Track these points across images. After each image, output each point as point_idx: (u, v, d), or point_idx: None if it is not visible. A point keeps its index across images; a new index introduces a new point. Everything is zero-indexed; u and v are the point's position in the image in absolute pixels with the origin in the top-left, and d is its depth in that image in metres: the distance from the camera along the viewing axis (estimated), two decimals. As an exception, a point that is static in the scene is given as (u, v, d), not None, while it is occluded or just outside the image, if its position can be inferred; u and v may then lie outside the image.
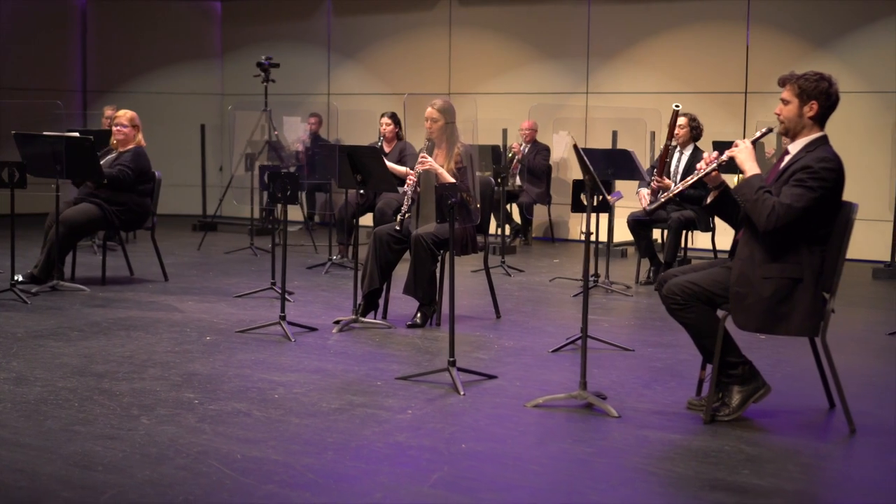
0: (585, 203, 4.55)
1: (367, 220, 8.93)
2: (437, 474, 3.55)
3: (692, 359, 4.77)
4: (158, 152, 10.03)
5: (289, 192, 5.80)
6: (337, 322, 6.11)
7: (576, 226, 11.46)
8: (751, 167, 4.18)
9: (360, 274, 6.26)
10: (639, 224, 8.09)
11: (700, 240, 9.94)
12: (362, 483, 3.44)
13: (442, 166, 6.20)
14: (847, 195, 4.26)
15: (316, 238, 10.46)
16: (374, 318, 6.28)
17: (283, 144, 11.17)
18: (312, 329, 5.99)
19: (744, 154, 4.23)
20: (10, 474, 3.44)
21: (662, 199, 4.53)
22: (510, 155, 10.77)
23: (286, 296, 6.76)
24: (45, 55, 13.62)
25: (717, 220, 5.89)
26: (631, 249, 9.72)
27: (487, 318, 6.61)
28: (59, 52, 13.87)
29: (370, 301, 6.29)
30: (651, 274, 8.25)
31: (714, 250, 8.93)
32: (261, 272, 8.25)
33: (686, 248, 8.62)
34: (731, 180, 8.47)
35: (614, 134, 10.00)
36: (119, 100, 12.33)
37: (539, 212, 11.39)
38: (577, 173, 4.56)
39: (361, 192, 8.33)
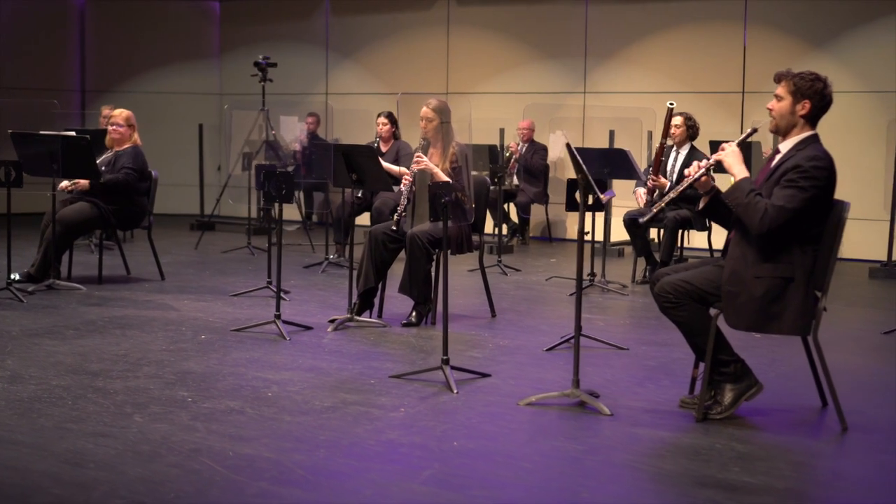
0: (579, 202, 4.55)
1: (364, 219, 8.93)
2: (428, 472, 3.56)
3: (686, 357, 4.78)
4: (157, 152, 10.05)
5: (284, 192, 5.81)
6: (332, 321, 6.11)
7: (573, 225, 11.47)
8: (739, 170, 4.19)
9: (355, 273, 6.27)
10: (635, 223, 8.09)
11: (696, 239, 9.96)
12: (353, 480, 3.45)
13: (437, 166, 6.21)
14: (844, 195, 4.27)
15: (313, 237, 10.47)
16: (370, 317, 6.28)
17: (281, 144, 11.18)
18: (308, 328, 6.00)
19: (731, 158, 4.23)
20: (1, 471, 3.45)
21: (655, 210, 4.52)
22: (507, 154, 10.78)
23: (282, 295, 6.79)
24: (43, 55, 13.64)
25: (712, 219, 5.89)
26: (628, 249, 9.73)
27: (483, 316, 6.62)
28: (58, 51, 13.89)
29: (365, 300, 6.29)
30: (647, 273, 8.26)
31: (710, 249, 8.93)
32: (258, 271, 8.26)
33: (682, 248, 8.63)
34: (729, 181, 8.50)
35: (611, 133, 10.01)
36: (117, 99, 12.35)
37: (536, 211, 11.40)
38: (573, 172, 4.56)
39: (359, 195, 8.36)
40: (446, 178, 5.99)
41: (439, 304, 6.14)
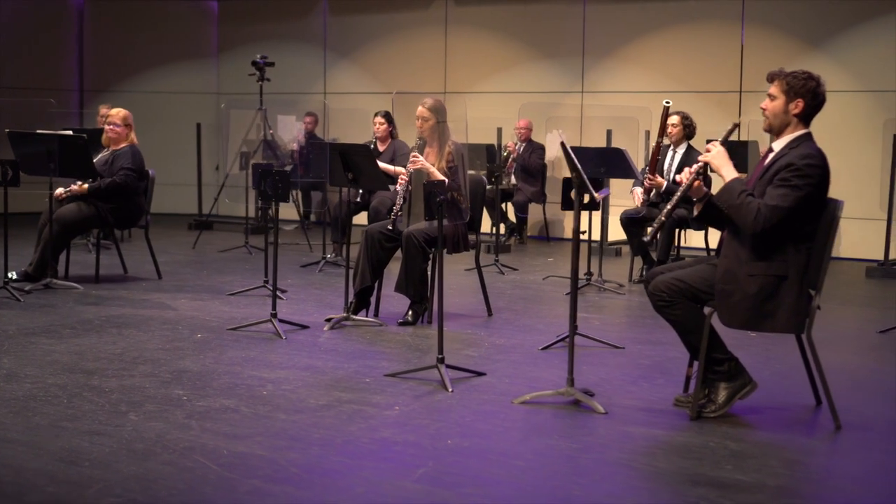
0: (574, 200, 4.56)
1: (361, 219, 8.94)
2: (422, 469, 3.57)
3: (681, 356, 4.78)
4: (155, 151, 10.06)
5: (280, 190, 5.82)
6: (328, 320, 6.12)
7: (571, 224, 11.44)
8: (727, 171, 4.20)
9: (351, 272, 6.28)
10: (632, 222, 8.11)
11: (693, 238, 9.97)
12: (346, 478, 3.46)
13: (433, 165, 6.22)
14: (841, 194, 4.27)
15: (311, 237, 10.47)
16: (366, 316, 6.29)
17: (279, 143, 11.19)
18: (304, 327, 6.01)
19: (718, 159, 4.24)
20: (-4, 469, 3.47)
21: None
22: (505, 154, 10.79)
23: (279, 294, 6.80)
24: (42, 54, 13.65)
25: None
26: (625, 248, 9.73)
27: (479, 315, 6.63)
28: (57, 51, 13.90)
29: (362, 299, 6.30)
30: (644, 272, 8.27)
31: (707, 249, 8.95)
32: (255, 270, 8.27)
33: (679, 247, 8.63)
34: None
35: (608, 133, 10.02)
36: (116, 99, 12.34)
37: (534, 211, 11.41)
38: (569, 172, 4.57)
39: (359, 199, 8.37)
40: (442, 177, 6.00)
41: (435, 302, 6.15)
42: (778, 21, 10.69)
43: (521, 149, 11.10)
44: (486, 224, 10.55)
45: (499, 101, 11.93)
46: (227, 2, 14.12)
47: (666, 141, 8.00)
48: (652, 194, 7.87)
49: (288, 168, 10.78)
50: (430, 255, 6.15)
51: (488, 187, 9.62)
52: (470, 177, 6.44)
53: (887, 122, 9.89)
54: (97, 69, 14.08)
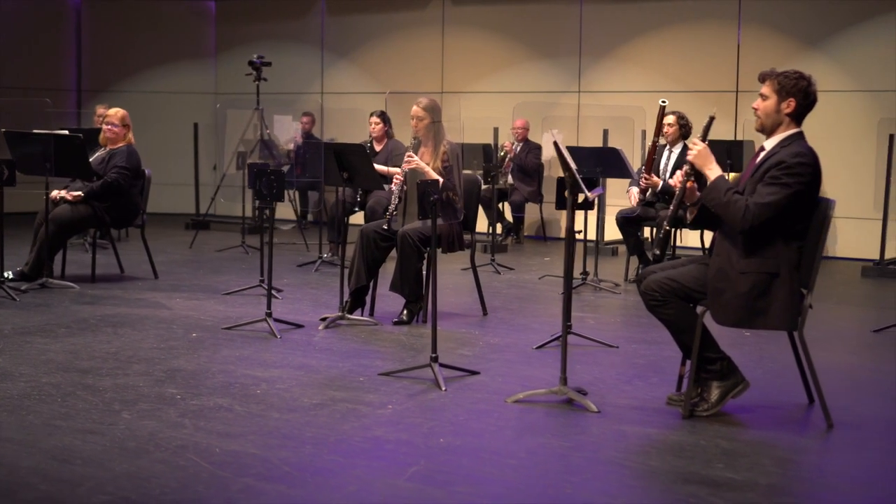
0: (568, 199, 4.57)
1: (358, 218, 8.95)
2: (414, 468, 3.58)
3: (676, 355, 4.78)
4: (152, 151, 10.07)
5: (275, 190, 5.82)
6: (323, 319, 6.13)
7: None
8: (711, 170, 4.21)
9: (347, 271, 6.29)
10: (627, 221, 8.11)
11: (689, 237, 9.97)
12: (338, 476, 3.47)
13: (428, 164, 6.24)
14: (837, 194, 4.29)
15: (308, 236, 10.49)
16: (361, 316, 6.30)
17: (276, 143, 11.20)
18: (299, 326, 6.02)
19: (701, 158, 4.26)
20: (-12, 468, 3.48)
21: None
22: (502, 153, 10.80)
23: (275, 293, 6.81)
24: (40, 54, 13.65)
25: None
26: (622, 248, 9.74)
27: (474, 315, 6.63)
28: (54, 51, 13.90)
29: (357, 298, 6.31)
30: (639, 272, 8.27)
31: (703, 248, 8.95)
32: (251, 270, 8.28)
33: (675, 246, 8.64)
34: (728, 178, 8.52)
35: (605, 133, 10.03)
36: (113, 99, 12.33)
37: (531, 210, 11.42)
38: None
39: (358, 197, 8.38)
40: (436, 177, 6.01)
41: (429, 301, 6.17)
42: (774, 21, 10.70)
43: (518, 148, 11.11)
44: (482, 224, 10.57)
45: (496, 101, 11.94)
46: (225, 2, 14.13)
47: (662, 141, 8.01)
48: (648, 194, 7.88)
49: (285, 168, 10.80)
50: (425, 255, 6.16)
51: (484, 187, 9.64)
52: (465, 176, 6.45)
53: (882, 121, 9.89)
54: (95, 69, 14.09)
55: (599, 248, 8.93)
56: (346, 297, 6.26)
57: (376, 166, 6.40)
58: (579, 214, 4.71)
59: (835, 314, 7.20)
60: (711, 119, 4.41)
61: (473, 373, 4.96)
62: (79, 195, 7.32)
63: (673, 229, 8.08)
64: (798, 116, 4.19)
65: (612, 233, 9.40)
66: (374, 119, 8.77)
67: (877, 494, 3.50)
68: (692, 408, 4.30)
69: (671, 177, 7.94)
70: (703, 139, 4.34)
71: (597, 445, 3.91)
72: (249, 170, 6.50)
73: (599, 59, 11.63)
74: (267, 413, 4.20)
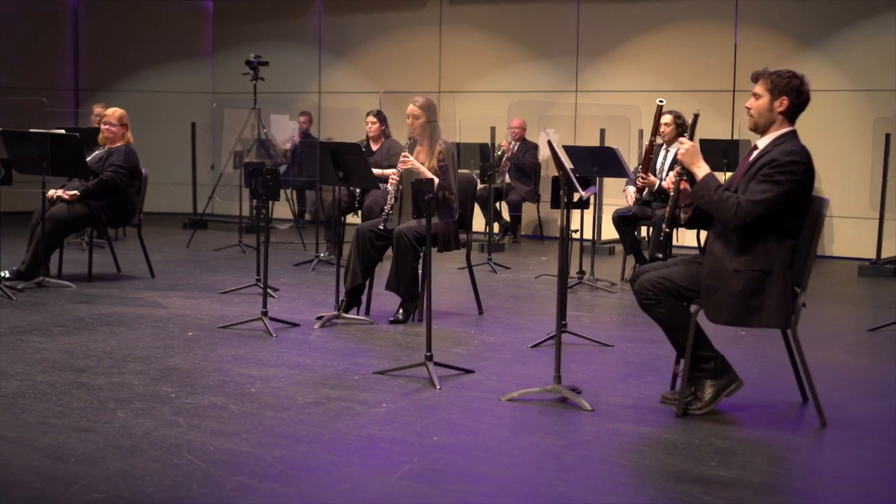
0: (562, 198, 4.58)
1: (356, 217, 8.97)
2: (407, 466, 3.59)
3: (670, 354, 4.80)
4: (150, 151, 10.08)
5: (271, 189, 5.82)
6: (319, 318, 6.14)
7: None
8: (700, 167, 4.23)
9: (343, 270, 6.29)
10: (623, 221, 8.12)
11: (686, 237, 9.99)
12: (331, 474, 3.48)
13: (424, 163, 6.24)
14: (833, 193, 4.30)
15: (305, 236, 10.49)
16: (357, 315, 6.31)
17: (274, 143, 11.20)
18: (295, 325, 6.03)
19: (688, 157, 4.27)
20: (-18, 466, 3.48)
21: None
22: (499, 153, 10.80)
23: (271, 292, 6.82)
24: (37, 54, 13.65)
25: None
26: (619, 247, 9.74)
27: (470, 314, 6.64)
28: (52, 50, 13.90)
29: (353, 297, 6.32)
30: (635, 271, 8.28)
31: (699, 247, 8.94)
32: (248, 269, 8.28)
33: (671, 246, 8.65)
34: (722, 178, 8.53)
35: (602, 132, 10.04)
36: (111, 98, 12.34)
37: (528, 210, 11.43)
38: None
39: (357, 196, 8.39)
40: (431, 177, 6.02)
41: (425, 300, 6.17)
42: (771, 20, 10.71)
43: (516, 148, 11.12)
44: (479, 223, 10.58)
45: (493, 101, 11.95)
46: (223, 1, 14.13)
47: (659, 140, 8.01)
48: (644, 193, 7.89)
49: (282, 168, 10.80)
50: (421, 254, 6.16)
51: (481, 186, 9.65)
52: (460, 175, 6.46)
53: (878, 120, 9.90)
54: (93, 68, 14.09)
55: (596, 247, 8.94)
56: (342, 295, 6.27)
57: (375, 171, 6.41)
58: (576, 214, 4.72)
59: (830, 313, 7.22)
60: (696, 116, 4.43)
61: (468, 371, 4.97)
62: (75, 194, 7.33)
63: (672, 230, 8.11)
64: (791, 115, 4.20)
65: (609, 232, 9.41)
66: (371, 119, 8.78)
67: (869, 492, 3.51)
68: (686, 406, 4.31)
69: (667, 176, 7.95)
70: (691, 137, 4.35)
71: (590, 444, 3.91)
72: (245, 169, 6.51)
73: (596, 58, 11.64)
74: (261, 411, 4.21)
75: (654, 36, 11.36)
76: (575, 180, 4.52)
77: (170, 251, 9.68)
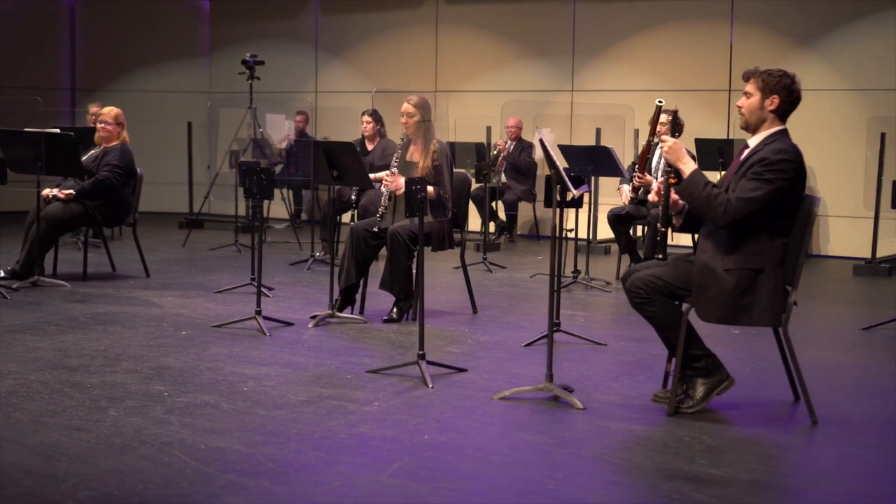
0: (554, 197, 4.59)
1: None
2: (397, 464, 3.59)
3: (663, 353, 4.80)
4: (147, 150, 10.08)
5: (264, 188, 5.83)
6: (313, 317, 6.14)
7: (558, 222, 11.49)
8: (686, 164, 4.24)
9: (337, 269, 6.30)
10: (618, 220, 8.14)
11: (681, 236, 9.99)
12: (321, 472, 3.48)
13: (418, 163, 6.26)
14: (828, 192, 4.30)
15: (301, 235, 10.50)
16: (351, 314, 6.31)
17: (270, 142, 11.21)
18: (288, 324, 6.03)
19: (673, 154, 4.27)
20: (-27, 464, 3.48)
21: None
22: (495, 152, 10.81)
23: (266, 291, 6.83)
24: (34, 53, 13.66)
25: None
26: (615, 247, 9.75)
27: (464, 313, 6.65)
28: (48, 50, 13.91)
29: (347, 296, 6.33)
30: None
31: (694, 246, 8.96)
32: (243, 269, 8.28)
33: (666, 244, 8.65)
34: (714, 177, 8.55)
35: (598, 131, 10.05)
36: (108, 98, 12.34)
37: (524, 209, 11.44)
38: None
39: (354, 196, 8.39)
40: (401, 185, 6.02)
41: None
42: (767, 20, 10.73)
43: (512, 147, 11.13)
44: (475, 222, 10.59)
45: (490, 100, 11.96)
46: (219, 1, 14.14)
47: (655, 139, 8.00)
48: (640, 192, 7.89)
49: (278, 167, 10.81)
50: (415, 253, 6.17)
51: (477, 186, 9.65)
52: (454, 175, 6.47)
53: (873, 119, 9.91)
54: (89, 68, 14.09)
55: (592, 246, 8.95)
56: (337, 295, 6.27)
57: (372, 175, 6.42)
58: (572, 212, 4.72)
59: (825, 312, 7.23)
60: (658, 108, 4.43)
61: (461, 370, 4.97)
62: (71, 193, 7.33)
63: (668, 229, 8.11)
64: (782, 114, 4.20)
65: (606, 232, 9.41)
66: (366, 118, 8.79)
67: (859, 490, 3.52)
68: (677, 405, 4.31)
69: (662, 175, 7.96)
70: (673, 133, 4.36)
71: (581, 442, 3.92)
72: (239, 168, 6.52)
73: (593, 57, 11.66)
74: (253, 410, 4.22)
75: (650, 35, 11.38)
76: (567, 179, 4.53)
77: (165, 250, 9.69)
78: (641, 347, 5.65)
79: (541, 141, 4.54)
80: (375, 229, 6.23)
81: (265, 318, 5.91)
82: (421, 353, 4.79)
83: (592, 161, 7.86)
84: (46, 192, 7.38)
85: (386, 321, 6.20)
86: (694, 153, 8.90)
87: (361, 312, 6.45)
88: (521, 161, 11.07)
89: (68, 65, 14.08)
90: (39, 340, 5.46)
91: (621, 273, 8.32)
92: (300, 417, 4.11)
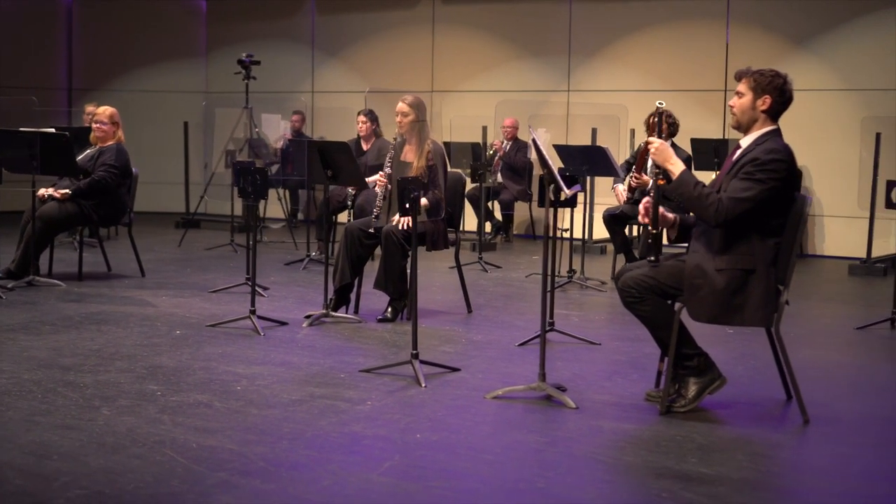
0: (547, 197, 4.60)
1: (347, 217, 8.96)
2: (389, 463, 3.60)
3: (657, 352, 4.80)
4: (143, 150, 10.08)
5: (259, 187, 5.83)
6: (308, 317, 6.15)
7: (558, 223, 11.49)
8: (674, 164, 4.25)
9: (332, 269, 6.30)
10: (614, 219, 8.14)
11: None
12: (312, 470, 3.49)
13: (413, 163, 6.26)
14: (824, 192, 4.31)
15: (297, 235, 10.50)
16: (346, 313, 6.32)
17: (266, 142, 11.21)
18: (283, 323, 6.04)
19: (661, 155, 4.28)
20: (-35, 463, 3.49)
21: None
22: (491, 152, 10.82)
23: (261, 291, 6.83)
24: (31, 53, 13.66)
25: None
26: (610, 246, 9.76)
27: (458, 312, 6.65)
28: (45, 49, 13.91)
29: (341, 296, 6.33)
30: (625, 270, 8.29)
31: (689, 246, 8.96)
32: (238, 268, 8.28)
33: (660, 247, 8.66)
34: (709, 177, 8.55)
35: (594, 131, 10.05)
36: (104, 97, 12.32)
37: (521, 209, 11.44)
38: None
39: (351, 204, 8.40)
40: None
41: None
42: (762, 20, 10.74)
43: (508, 147, 11.13)
44: (470, 222, 10.60)
45: (486, 100, 11.96)
46: (216, 1, 14.14)
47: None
48: (636, 192, 7.92)
49: (274, 167, 10.81)
50: (410, 252, 6.17)
51: (472, 185, 9.66)
52: (449, 174, 6.47)
53: (867, 119, 9.92)
54: (86, 68, 14.10)
55: (587, 246, 8.96)
56: (331, 294, 6.28)
57: (368, 178, 6.44)
58: (567, 212, 4.73)
59: (819, 312, 7.24)
60: (658, 110, 4.44)
61: (454, 370, 4.98)
62: (66, 193, 7.33)
63: (660, 230, 8.11)
64: (774, 114, 4.21)
65: (601, 231, 9.42)
66: (362, 118, 8.79)
67: (850, 489, 3.52)
68: (669, 404, 4.32)
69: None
70: (660, 135, 4.37)
71: (572, 441, 3.93)
72: (234, 168, 6.52)
73: (589, 57, 11.67)
74: (246, 409, 4.22)
75: (646, 35, 11.40)
76: (559, 179, 4.53)
77: (161, 250, 9.69)
78: (635, 347, 5.65)
79: (533, 140, 4.55)
80: (371, 230, 6.23)
81: (260, 317, 5.91)
82: (414, 352, 4.79)
83: (588, 161, 7.86)
84: (42, 191, 7.38)
85: (380, 321, 6.21)
86: (690, 153, 8.91)
87: (356, 312, 6.45)
88: (517, 161, 11.08)
89: (65, 64, 14.08)
90: (34, 340, 5.46)
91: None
92: (292, 416, 4.12)
